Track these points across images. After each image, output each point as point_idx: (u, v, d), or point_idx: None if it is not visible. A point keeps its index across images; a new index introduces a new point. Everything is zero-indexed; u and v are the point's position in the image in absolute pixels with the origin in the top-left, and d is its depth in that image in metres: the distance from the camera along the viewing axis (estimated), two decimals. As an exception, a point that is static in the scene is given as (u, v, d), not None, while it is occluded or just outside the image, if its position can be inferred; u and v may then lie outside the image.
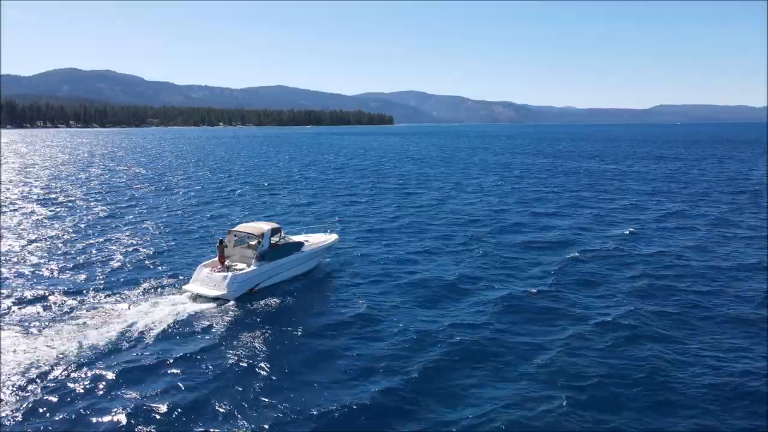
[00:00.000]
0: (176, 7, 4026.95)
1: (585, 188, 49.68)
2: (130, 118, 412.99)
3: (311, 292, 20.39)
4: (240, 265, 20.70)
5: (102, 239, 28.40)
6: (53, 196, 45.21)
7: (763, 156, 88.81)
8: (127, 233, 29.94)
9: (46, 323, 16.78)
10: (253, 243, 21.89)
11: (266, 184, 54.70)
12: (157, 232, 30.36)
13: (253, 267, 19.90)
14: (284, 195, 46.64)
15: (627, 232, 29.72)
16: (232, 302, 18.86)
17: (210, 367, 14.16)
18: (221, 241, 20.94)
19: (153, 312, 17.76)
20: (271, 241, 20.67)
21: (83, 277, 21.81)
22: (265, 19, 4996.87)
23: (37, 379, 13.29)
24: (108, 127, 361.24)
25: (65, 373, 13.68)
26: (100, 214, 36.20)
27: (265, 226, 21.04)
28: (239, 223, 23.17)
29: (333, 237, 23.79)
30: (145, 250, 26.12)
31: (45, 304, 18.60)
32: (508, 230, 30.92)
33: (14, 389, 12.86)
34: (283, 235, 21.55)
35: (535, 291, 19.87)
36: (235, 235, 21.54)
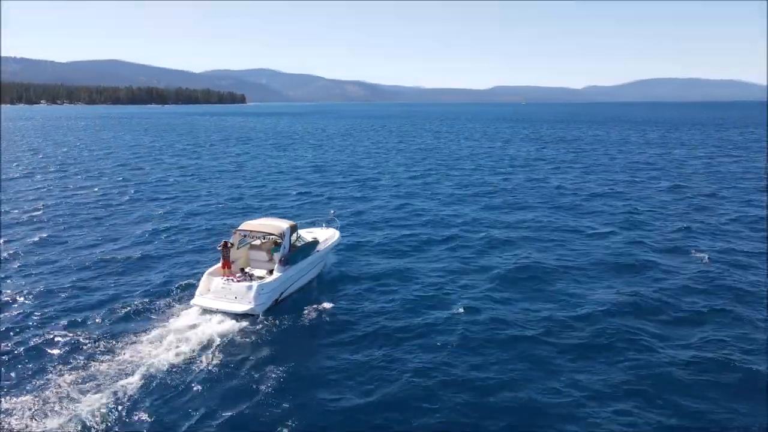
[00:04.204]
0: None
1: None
2: None
3: (333, 295, 17.93)
4: (256, 271, 17.59)
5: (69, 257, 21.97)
6: None
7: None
8: (97, 249, 23.42)
9: (46, 380, 12.64)
10: (256, 243, 18.75)
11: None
12: (129, 242, 24.27)
13: (277, 273, 16.89)
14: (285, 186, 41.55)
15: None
16: (261, 317, 15.88)
17: (252, 406, 11.71)
18: (226, 243, 17.52)
19: (164, 342, 14.27)
20: (290, 241, 17.74)
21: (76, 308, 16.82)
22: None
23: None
24: None
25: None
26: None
27: (283, 224, 17.85)
28: (245, 221, 19.55)
29: (336, 233, 21.14)
30: (126, 265, 20.85)
31: (42, 350, 14.05)
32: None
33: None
34: (298, 233, 18.64)
35: (556, 265, 19.82)
36: (244, 235, 18.13)
